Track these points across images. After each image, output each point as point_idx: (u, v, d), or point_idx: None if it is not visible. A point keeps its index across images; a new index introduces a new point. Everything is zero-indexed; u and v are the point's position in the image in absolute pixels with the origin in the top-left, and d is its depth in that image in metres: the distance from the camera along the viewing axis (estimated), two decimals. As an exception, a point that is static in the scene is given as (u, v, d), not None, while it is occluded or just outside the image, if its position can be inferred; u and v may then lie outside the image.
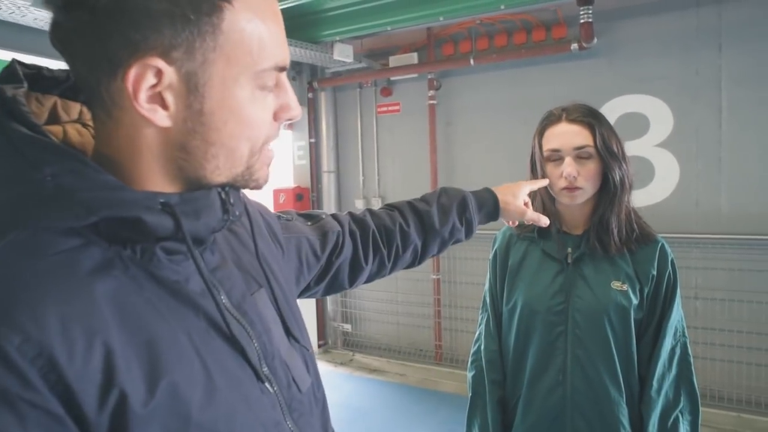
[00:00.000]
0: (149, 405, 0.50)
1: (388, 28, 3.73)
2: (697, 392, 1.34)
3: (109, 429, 0.49)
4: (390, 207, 1.14)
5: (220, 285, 0.64)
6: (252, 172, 0.61)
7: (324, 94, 4.72)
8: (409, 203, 1.13)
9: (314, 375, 0.75)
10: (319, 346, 4.87)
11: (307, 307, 4.91)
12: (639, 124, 3.48)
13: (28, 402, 0.45)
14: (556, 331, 1.33)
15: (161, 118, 0.54)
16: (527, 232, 1.43)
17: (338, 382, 4.21)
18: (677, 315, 1.33)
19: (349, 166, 4.80)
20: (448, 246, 1.15)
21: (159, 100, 0.54)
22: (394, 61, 4.28)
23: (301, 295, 0.95)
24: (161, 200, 0.55)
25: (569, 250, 1.36)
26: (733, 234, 3.30)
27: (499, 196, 1.18)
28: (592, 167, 1.30)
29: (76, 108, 0.64)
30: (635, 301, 1.31)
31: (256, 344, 0.64)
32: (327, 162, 4.79)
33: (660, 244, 1.35)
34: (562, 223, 1.40)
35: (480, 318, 1.52)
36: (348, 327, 4.83)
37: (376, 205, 4.61)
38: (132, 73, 0.52)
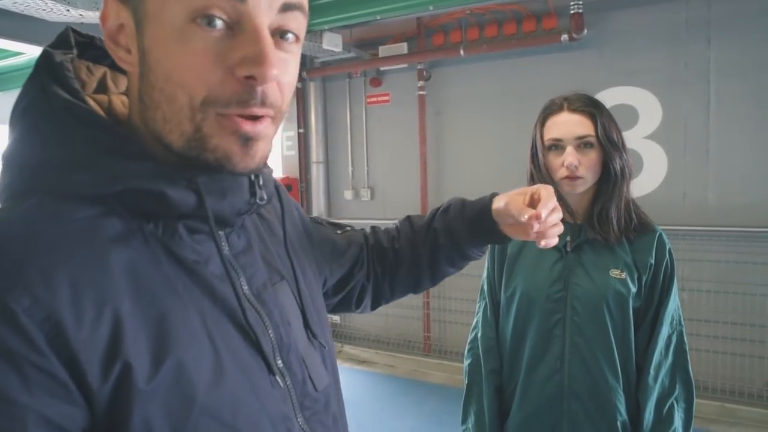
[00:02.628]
0: (153, 380, 0.49)
1: (378, 17, 3.69)
2: (692, 380, 1.35)
3: (111, 401, 0.47)
4: (392, 236, 0.98)
5: (242, 270, 0.61)
6: (202, 136, 0.51)
7: (313, 84, 4.68)
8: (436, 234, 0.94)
9: (333, 375, 0.72)
10: (308, 337, 4.86)
11: (295, 299, 4.89)
12: (628, 116, 3.49)
13: (34, 364, 0.44)
14: (555, 319, 1.34)
15: (125, 62, 0.54)
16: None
17: (327, 374, 4.20)
18: (674, 304, 1.34)
19: (338, 156, 4.77)
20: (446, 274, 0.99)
21: (123, 44, 0.54)
22: (383, 51, 4.25)
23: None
24: (187, 176, 0.53)
25: (568, 238, 1.35)
26: (720, 226, 3.33)
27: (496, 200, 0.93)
28: (593, 157, 1.31)
29: (125, 80, 0.63)
30: (633, 290, 1.32)
31: (272, 335, 0.62)
32: (316, 152, 4.75)
33: (658, 234, 1.35)
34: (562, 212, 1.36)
35: (478, 306, 1.53)
36: (337, 318, 4.83)
37: (365, 195, 4.59)
38: (105, 17, 0.53)
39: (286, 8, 0.52)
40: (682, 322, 1.37)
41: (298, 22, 0.54)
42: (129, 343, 0.48)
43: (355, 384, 4.04)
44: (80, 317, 0.46)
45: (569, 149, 1.30)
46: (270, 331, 0.62)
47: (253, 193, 0.59)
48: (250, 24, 0.49)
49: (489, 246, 1.02)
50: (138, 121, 0.56)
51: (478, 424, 1.44)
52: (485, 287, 1.51)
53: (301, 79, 4.65)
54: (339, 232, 0.94)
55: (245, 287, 0.61)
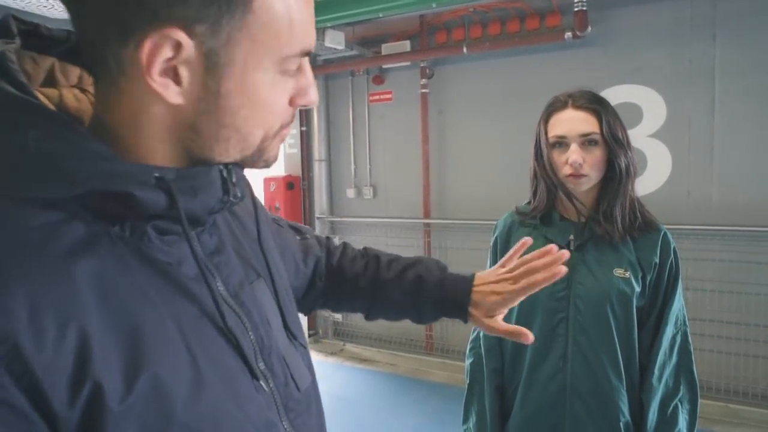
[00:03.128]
0: (127, 399, 0.46)
1: (380, 15, 3.68)
2: (697, 381, 1.34)
3: (80, 426, 0.44)
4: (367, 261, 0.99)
5: (217, 271, 0.59)
6: (262, 153, 0.57)
7: (316, 81, 4.65)
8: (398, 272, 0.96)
9: (312, 374, 0.72)
10: (310, 336, 4.85)
11: (297, 297, 4.88)
12: (632, 114, 3.46)
13: None
14: (558, 318, 1.32)
15: (173, 94, 0.50)
16: (529, 219, 1.41)
17: (329, 373, 4.20)
18: (678, 303, 1.33)
19: (340, 154, 4.76)
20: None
21: (172, 74, 0.49)
22: (386, 48, 4.23)
23: None
24: (156, 174, 0.51)
25: (571, 236, 1.34)
26: (724, 225, 3.30)
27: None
28: (597, 154, 1.29)
29: (75, 72, 0.59)
30: (637, 289, 1.30)
31: (252, 337, 0.59)
32: (318, 150, 4.74)
33: (662, 233, 1.34)
34: (565, 209, 1.38)
35: None
36: (338, 317, 4.82)
37: (368, 193, 4.58)
38: (148, 43, 0.47)
39: None
40: (687, 322, 1.35)
41: None
42: (98, 361, 0.45)
43: (356, 383, 4.03)
44: (41, 338, 0.43)
45: (573, 146, 1.28)
46: (250, 333, 0.60)
47: (226, 191, 0.57)
48: (307, 66, 0.58)
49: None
50: (150, 139, 0.53)
51: (479, 423, 1.43)
52: None
53: (303, 76, 4.63)
54: (299, 238, 0.93)
55: (221, 288, 0.59)
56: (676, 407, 1.30)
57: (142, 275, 0.52)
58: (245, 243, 0.68)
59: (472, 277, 0.91)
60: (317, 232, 5.12)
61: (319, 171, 4.77)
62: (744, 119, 3.24)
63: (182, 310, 0.53)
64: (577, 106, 1.31)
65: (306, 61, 0.57)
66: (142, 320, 0.49)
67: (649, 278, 1.31)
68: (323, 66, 4.60)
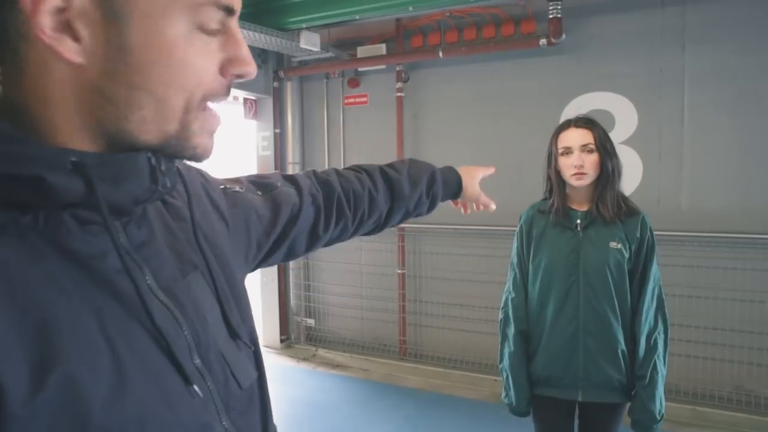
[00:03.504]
0: (33, 401, 0.41)
1: (357, 17, 3.65)
2: (668, 318, 1.85)
3: None
4: (358, 169, 1.05)
5: (145, 264, 0.55)
6: (188, 136, 0.52)
7: (290, 83, 4.61)
8: (380, 168, 1.06)
9: (259, 370, 0.67)
10: (282, 341, 4.78)
11: (269, 302, 4.81)
12: (605, 121, 3.46)
13: None
14: (571, 280, 1.84)
15: (70, 51, 0.45)
16: (548, 215, 1.91)
17: (301, 378, 4.13)
18: (655, 266, 1.85)
19: (314, 157, 4.71)
20: (410, 217, 1.10)
21: (69, 30, 0.45)
22: (362, 51, 4.21)
23: (255, 268, 0.85)
24: (73, 159, 0.46)
25: (578, 221, 1.86)
26: (692, 231, 3.36)
27: (462, 176, 1.20)
28: (593, 159, 1.82)
29: None
30: (627, 256, 1.83)
31: (186, 333, 0.55)
32: (292, 153, 4.69)
33: (641, 216, 1.85)
34: (572, 202, 1.90)
35: (509, 275, 2.02)
36: (311, 322, 4.76)
37: (342, 198, 4.53)
38: None
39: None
40: (660, 280, 1.87)
41: None
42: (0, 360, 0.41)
43: (329, 388, 3.97)
44: None
45: (576, 153, 1.82)
46: (184, 329, 0.55)
47: (154, 180, 0.52)
48: (236, 30, 0.53)
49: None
50: (58, 111, 0.48)
51: (511, 359, 1.94)
52: (515, 261, 1.99)
53: (277, 78, 4.58)
54: (260, 194, 0.85)
55: (150, 281, 0.54)
56: (656, 338, 1.82)
57: (58, 267, 0.47)
58: (180, 235, 0.63)
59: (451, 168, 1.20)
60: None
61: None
62: (712, 127, 3.32)
63: (105, 304, 0.49)
64: (578, 126, 1.86)
65: (233, 22, 0.53)
66: (54, 314, 0.44)
67: (634, 248, 1.83)
68: (298, 68, 4.55)
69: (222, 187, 0.79)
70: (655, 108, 3.44)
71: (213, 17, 0.50)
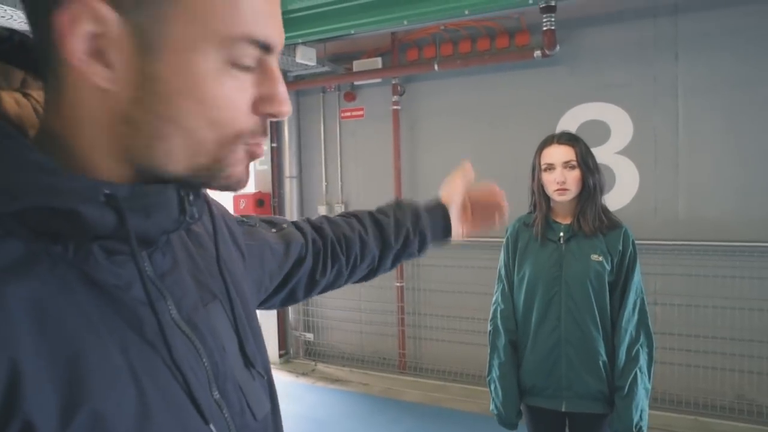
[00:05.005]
0: None
1: (352, 32, 3.68)
2: (652, 332, 1.87)
3: None
4: (347, 214, 1.06)
5: (169, 293, 0.55)
6: (221, 167, 0.51)
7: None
8: (369, 212, 1.07)
9: (273, 402, 0.67)
10: (280, 356, 4.75)
11: (267, 316, 4.78)
12: (600, 131, 3.53)
13: None
14: (553, 291, 1.88)
15: (100, 76, 0.45)
16: (533, 228, 1.95)
17: (300, 393, 4.10)
18: (638, 277, 1.88)
19: (311, 171, 4.71)
20: (402, 259, 1.09)
21: (101, 57, 0.45)
22: (358, 65, 4.24)
23: (258, 307, 0.86)
24: (106, 191, 0.46)
25: (561, 234, 1.91)
26: (690, 240, 3.37)
27: (443, 198, 1.13)
28: (575, 175, 1.87)
29: (18, 76, 0.54)
30: (608, 268, 1.86)
31: (206, 362, 0.55)
32: (289, 167, 4.69)
33: (623, 229, 1.90)
34: (555, 215, 1.94)
35: (497, 287, 2.06)
36: (310, 336, 4.73)
37: (339, 211, 4.53)
38: (66, 14, 0.42)
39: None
40: (644, 291, 1.91)
41: None
42: (30, 396, 0.40)
43: (328, 403, 3.94)
44: None
45: (558, 169, 1.86)
46: (204, 359, 0.55)
47: (182, 210, 0.52)
48: (273, 67, 0.52)
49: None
50: (89, 138, 0.48)
51: (500, 369, 1.97)
52: (502, 273, 2.04)
53: (274, 92, 4.59)
54: (274, 230, 0.87)
55: (173, 311, 0.54)
56: (638, 350, 1.84)
57: (86, 299, 0.46)
58: (202, 263, 0.63)
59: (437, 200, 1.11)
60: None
61: (290, 188, 4.71)
62: (707, 135, 3.33)
63: (130, 336, 0.48)
64: (560, 142, 1.89)
65: (272, 60, 0.51)
66: (83, 347, 0.44)
67: (615, 260, 1.87)
68: (294, 82, 4.57)
69: (239, 220, 0.81)
70: (650, 117, 3.46)
71: (247, 53, 0.49)
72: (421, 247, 1.09)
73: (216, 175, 0.51)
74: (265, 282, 0.83)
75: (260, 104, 0.51)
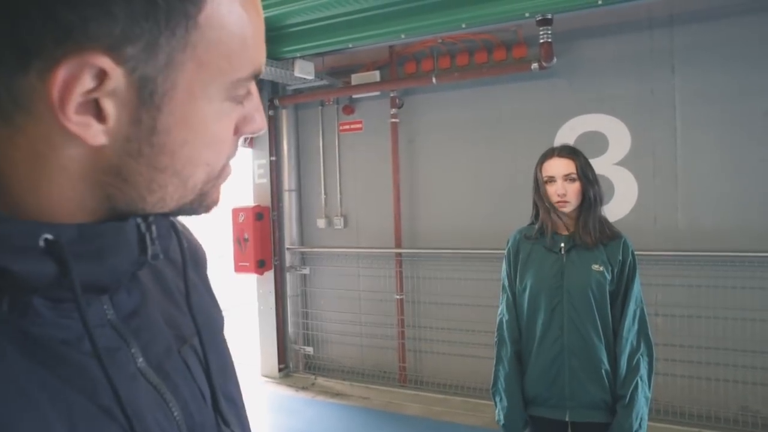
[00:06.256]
0: None
1: (350, 45, 3.70)
2: (652, 341, 1.90)
3: None
4: None
5: (134, 338, 0.47)
6: (204, 198, 0.48)
7: (285, 111, 4.65)
8: None
9: None
10: (280, 370, 4.71)
11: (267, 330, 4.76)
12: (598, 142, 3.54)
13: None
14: (556, 301, 1.90)
15: (95, 134, 0.39)
16: (533, 239, 1.98)
17: (300, 408, 4.06)
18: (637, 287, 1.91)
19: (310, 184, 4.72)
20: None
21: (93, 108, 0.38)
22: (356, 78, 4.25)
23: None
24: (46, 236, 0.39)
25: (562, 245, 1.93)
26: (689, 251, 3.36)
27: None
28: (575, 187, 1.91)
29: None
30: (609, 278, 1.89)
31: (177, 416, 0.48)
32: (288, 180, 4.70)
33: (623, 239, 1.94)
34: (556, 226, 1.96)
35: (501, 297, 2.07)
36: (310, 350, 4.70)
37: (338, 223, 4.53)
38: (61, 72, 0.36)
39: None
40: (644, 301, 1.94)
41: None
42: None
43: (329, 418, 3.90)
44: None
45: (559, 182, 1.91)
46: (176, 412, 0.48)
47: (143, 249, 0.46)
48: (255, 90, 0.49)
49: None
50: (55, 187, 0.41)
51: (506, 379, 1.98)
52: (505, 284, 2.05)
53: (273, 106, 4.62)
54: None
55: (140, 360, 0.47)
56: (639, 359, 1.87)
57: (20, 364, 0.38)
58: (172, 298, 0.56)
59: None
60: (288, 263, 4.97)
61: (289, 201, 4.71)
62: (705, 146, 3.34)
63: (78, 405, 0.40)
64: (561, 155, 1.94)
65: (254, 83, 0.48)
66: (14, 429, 0.36)
67: (616, 270, 1.90)
68: (293, 96, 4.59)
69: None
70: (648, 128, 3.47)
71: (245, 86, 0.46)
72: None
73: (197, 207, 0.48)
74: None
75: (241, 125, 0.48)
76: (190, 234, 0.67)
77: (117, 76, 0.38)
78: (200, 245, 0.68)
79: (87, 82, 0.37)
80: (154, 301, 0.52)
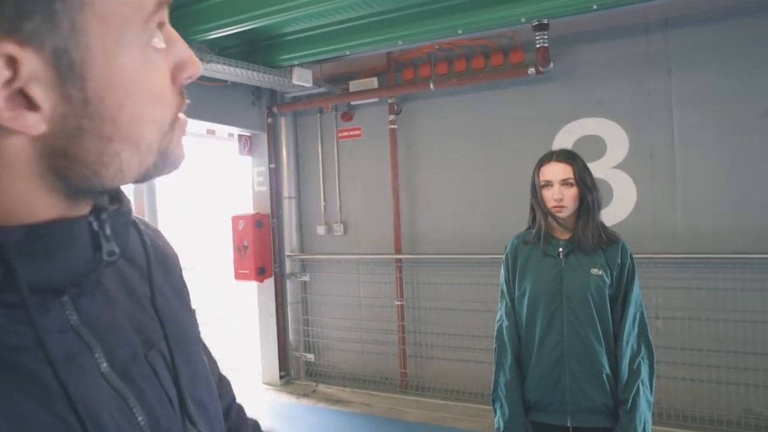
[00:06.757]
0: None
1: (347, 53, 3.72)
2: (652, 343, 1.88)
3: None
4: None
5: (99, 342, 0.46)
6: (166, 157, 0.46)
7: (284, 119, 4.66)
8: None
9: None
10: (281, 377, 4.70)
11: (268, 338, 4.75)
12: (596, 146, 3.54)
13: None
14: (555, 306, 1.88)
15: (33, 124, 0.38)
16: (531, 244, 1.97)
17: (301, 415, 4.05)
18: (637, 290, 1.90)
19: (310, 191, 4.72)
20: None
21: (22, 99, 0.37)
22: (354, 85, 4.27)
23: None
24: None
25: (560, 249, 1.91)
26: (689, 253, 3.36)
27: None
28: (573, 192, 1.88)
29: None
30: (608, 282, 1.88)
31: (142, 422, 0.47)
32: (287, 188, 4.70)
33: (621, 243, 1.92)
34: (554, 231, 1.94)
35: (499, 303, 2.05)
36: (311, 357, 4.69)
37: (338, 230, 4.53)
38: None
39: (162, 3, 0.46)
40: (643, 304, 1.91)
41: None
42: None
43: (330, 425, 3.89)
44: None
45: (556, 187, 1.88)
46: (140, 418, 0.47)
47: (97, 247, 0.45)
48: (174, 32, 0.46)
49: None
50: (4, 182, 0.40)
51: (506, 386, 1.95)
52: (504, 289, 2.03)
53: (271, 114, 4.63)
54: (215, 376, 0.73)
55: (104, 365, 0.46)
56: (639, 363, 1.85)
57: None
58: (139, 301, 0.55)
59: None
60: (288, 270, 4.96)
61: (289, 208, 4.72)
62: (703, 148, 3.35)
63: (31, 415, 0.39)
64: (558, 160, 1.91)
65: (167, 24, 0.45)
66: None
67: (615, 274, 1.89)
68: (291, 103, 4.60)
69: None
70: (646, 131, 3.48)
71: (155, 19, 0.43)
72: None
73: (162, 167, 0.47)
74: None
75: (176, 73, 0.46)
76: (161, 238, 0.66)
77: (28, 58, 0.36)
78: (171, 250, 0.66)
79: (1, 73, 0.36)
80: (119, 306, 0.51)
